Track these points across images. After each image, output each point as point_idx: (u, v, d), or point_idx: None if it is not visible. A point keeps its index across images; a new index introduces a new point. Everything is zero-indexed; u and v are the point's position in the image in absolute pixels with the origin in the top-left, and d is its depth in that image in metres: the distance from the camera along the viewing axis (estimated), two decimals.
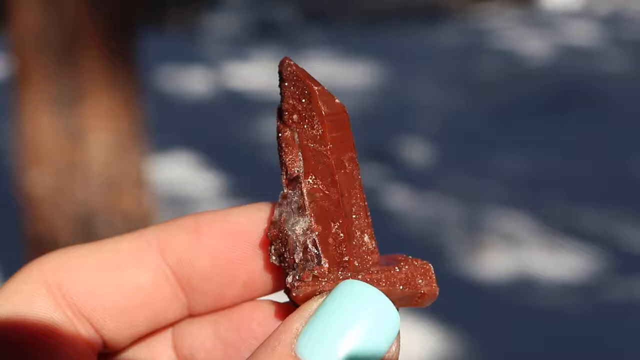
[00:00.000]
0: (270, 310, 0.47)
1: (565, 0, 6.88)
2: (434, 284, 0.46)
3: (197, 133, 4.07)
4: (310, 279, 0.43)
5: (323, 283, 0.43)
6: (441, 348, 2.30)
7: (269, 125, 4.13)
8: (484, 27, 6.27)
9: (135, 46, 1.96)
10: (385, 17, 6.44)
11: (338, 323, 0.40)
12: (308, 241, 0.43)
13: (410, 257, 0.46)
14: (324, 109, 0.44)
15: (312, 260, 0.43)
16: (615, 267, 2.71)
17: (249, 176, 3.40)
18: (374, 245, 0.46)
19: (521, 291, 2.61)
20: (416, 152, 3.80)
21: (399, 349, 0.42)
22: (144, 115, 2.04)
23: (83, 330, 0.46)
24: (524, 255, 2.81)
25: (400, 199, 3.24)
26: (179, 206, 3.20)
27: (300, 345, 0.39)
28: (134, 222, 1.86)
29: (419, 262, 0.45)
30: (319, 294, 0.42)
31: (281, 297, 0.47)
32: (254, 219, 0.47)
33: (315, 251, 0.43)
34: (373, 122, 4.20)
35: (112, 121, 1.82)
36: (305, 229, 0.44)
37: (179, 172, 3.57)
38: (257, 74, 4.98)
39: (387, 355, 0.41)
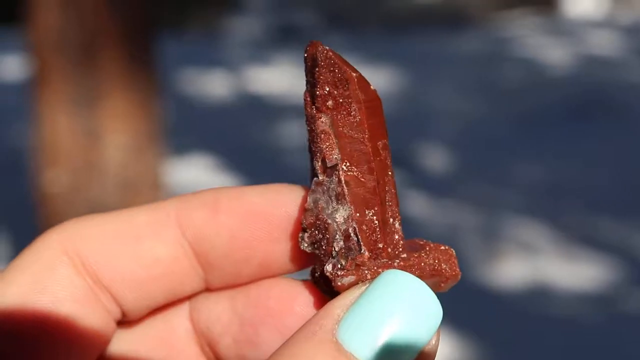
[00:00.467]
0: (289, 288, 0.47)
1: (588, 9, 6.86)
2: (457, 269, 0.46)
3: (216, 136, 4.08)
4: (353, 267, 0.43)
5: (365, 272, 0.43)
6: (456, 355, 2.29)
7: (288, 129, 4.14)
8: (506, 35, 6.26)
9: (153, 48, 1.97)
10: (407, 24, 6.44)
11: (380, 311, 0.40)
12: (350, 229, 0.43)
13: (430, 242, 0.45)
14: (361, 96, 0.44)
15: (354, 249, 0.43)
16: (632, 277, 2.69)
17: (268, 179, 3.39)
18: (401, 232, 0.45)
19: (537, 300, 2.60)
20: (435, 159, 3.79)
21: (439, 342, 0.41)
22: (162, 117, 2.05)
23: (103, 299, 0.46)
24: (540, 263, 2.80)
25: (418, 206, 3.23)
26: None
27: (341, 331, 0.39)
28: None
29: (442, 247, 0.45)
30: (361, 282, 0.42)
31: (297, 277, 0.48)
32: (272, 200, 0.47)
33: (356, 239, 0.43)
34: (393, 128, 4.17)
35: (129, 122, 1.82)
36: (346, 217, 0.43)
37: (197, 174, 3.58)
38: (277, 78, 4.99)
39: (427, 347, 0.41)
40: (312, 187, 0.45)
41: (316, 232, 0.44)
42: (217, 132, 4.14)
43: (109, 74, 1.80)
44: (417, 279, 0.41)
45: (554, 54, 5.63)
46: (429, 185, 3.45)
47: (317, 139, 0.44)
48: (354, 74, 0.44)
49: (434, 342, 0.41)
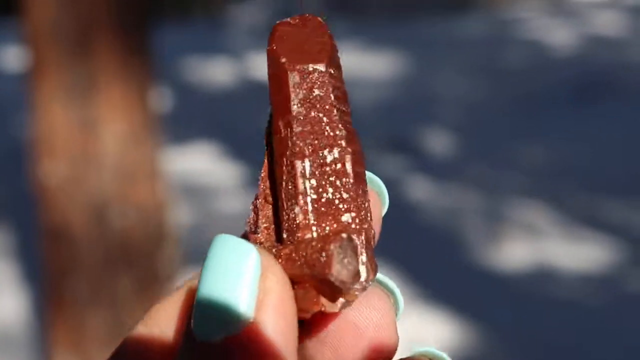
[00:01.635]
0: None
1: None
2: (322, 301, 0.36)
3: (220, 124, 4.08)
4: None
5: None
6: (457, 337, 2.30)
7: None
8: (510, 17, 6.24)
9: (151, 37, 1.97)
10: (410, 7, 6.43)
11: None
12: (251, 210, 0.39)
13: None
14: (270, 70, 0.39)
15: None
16: (636, 258, 2.69)
17: None
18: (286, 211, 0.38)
19: (540, 281, 2.61)
20: (439, 142, 3.79)
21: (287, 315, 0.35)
22: (159, 106, 2.05)
23: None
24: (544, 245, 2.80)
25: (422, 189, 3.23)
26: (197, 197, 3.21)
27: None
28: (147, 212, 1.87)
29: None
30: None
31: None
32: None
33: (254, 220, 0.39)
34: (397, 113, 4.20)
35: (126, 112, 1.82)
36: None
37: (200, 162, 3.58)
38: None
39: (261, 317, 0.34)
40: None
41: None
42: (220, 120, 4.14)
43: (105, 64, 1.80)
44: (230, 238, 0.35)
45: (558, 35, 5.62)
46: (432, 168, 3.45)
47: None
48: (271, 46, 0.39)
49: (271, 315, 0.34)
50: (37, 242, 2.01)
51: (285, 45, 0.39)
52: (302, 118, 0.39)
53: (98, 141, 1.80)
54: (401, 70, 4.94)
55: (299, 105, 0.39)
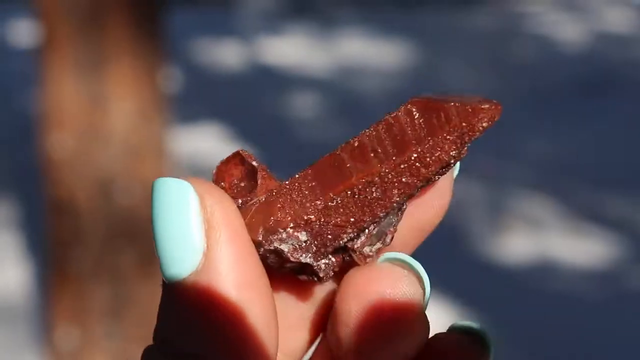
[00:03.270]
0: None
1: None
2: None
3: (228, 106, 4.08)
4: None
5: None
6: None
7: (300, 101, 4.14)
8: (519, 10, 6.23)
9: (162, 14, 1.97)
10: None
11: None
12: None
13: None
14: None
15: None
16: (638, 255, 2.69)
17: (278, 151, 3.41)
18: None
19: (542, 275, 2.61)
20: None
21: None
22: (169, 84, 2.05)
23: None
24: (546, 239, 2.80)
25: None
26: (204, 177, 3.21)
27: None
28: None
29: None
30: None
31: None
32: None
33: None
34: (403, 102, 4.18)
35: (135, 88, 1.83)
36: None
37: (206, 143, 3.58)
38: (290, 50, 4.98)
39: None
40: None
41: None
42: (228, 102, 4.14)
43: (116, 40, 1.80)
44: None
45: (566, 31, 5.61)
46: None
47: None
48: None
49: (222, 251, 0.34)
50: (41, 215, 2.01)
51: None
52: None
53: (106, 117, 1.80)
54: (409, 60, 4.94)
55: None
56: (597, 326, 2.35)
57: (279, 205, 0.37)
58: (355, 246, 0.38)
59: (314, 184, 0.37)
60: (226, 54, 4.99)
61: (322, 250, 0.37)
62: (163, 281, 0.35)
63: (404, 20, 5.82)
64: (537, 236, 2.82)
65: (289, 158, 2.67)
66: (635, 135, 3.70)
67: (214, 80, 4.57)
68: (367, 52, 4.95)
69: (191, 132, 3.58)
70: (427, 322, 0.37)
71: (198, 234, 0.34)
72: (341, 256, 0.38)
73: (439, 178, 0.39)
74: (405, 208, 0.39)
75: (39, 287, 2.48)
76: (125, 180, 1.82)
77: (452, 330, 0.39)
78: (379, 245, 0.38)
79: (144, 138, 1.86)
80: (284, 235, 0.36)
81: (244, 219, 0.36)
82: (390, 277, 0.36)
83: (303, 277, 0.38)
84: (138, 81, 1.84)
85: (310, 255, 0.37)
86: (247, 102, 4.14)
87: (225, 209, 0.35)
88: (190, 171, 3.10)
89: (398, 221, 0.39)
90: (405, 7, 6.17)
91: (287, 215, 0.37)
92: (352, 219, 0.37)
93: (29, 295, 2.48)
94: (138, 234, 1.85)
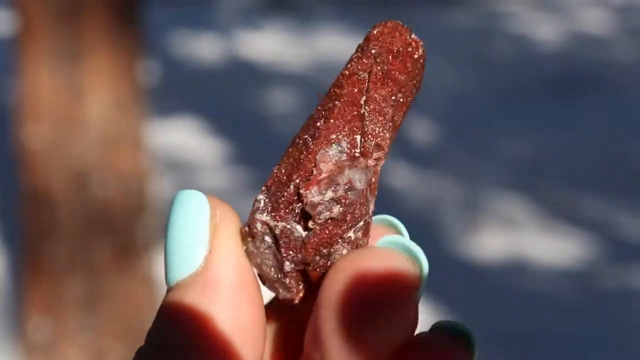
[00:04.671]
0: None
1: None
2: None
3: (205, 100, 4.07)
4: None
5: None
6: (429, 325, 2.31)
7: (278, 96, 4.13)
8: (498, 9, 6.25)
9: (140, 7, 1.96)
10: None
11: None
12: None
13: None
14: None
15: None
16: (611, 254, 2.71)
17: (254, 145, 3.41)
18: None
19: (515, 274, 2.62)
20: (421, 130, 3.79)
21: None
22: (146, 77, 2.04)
23: None
24: (520, 238, 2.81)
25: (400, 176, 3.24)
26: (180, 171, 3.21)
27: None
28: (128, 182, 1.87)
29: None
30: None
31: None
32: None
33: None
34: None
35: (112, 80, 1.82)
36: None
37: (183, 137, 3.58)
38: (268, 45, 4.97)
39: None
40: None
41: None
42: (205, 96, 4.13)
43: (94, 31, 1.80)
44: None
45: (544, 30, 5.63)
46: (412, 156, 3.46)
47: None
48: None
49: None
50: (16, 205, 2.00)
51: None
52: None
53: (83, 107, 1.79)
54: None
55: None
56: (570, 325, 2.36)
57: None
58: (309, 197, 0.38)
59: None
60: (204, 49, 4.98)
61: (276, 204, 0.38)
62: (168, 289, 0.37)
63: (382, 18, 5.81)
64: (512, 235, 2.83)
65: (266, 152, 2.67)
66: (610, 135, 3.72)
67: (191, 74, 4.56)
68: (345, 48, 4.94)
69: (168, 125, 3.57)
70: (417, 310, 0.37)
71: (206, 236, 0.36)
72: (302, 225, 0.37)
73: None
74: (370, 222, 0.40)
75: (12, 278, 2.47)
76: (101, 171, 1.81)
77: (436, 329, 0.39)
78: (329, 196, 0.38)
79: (120, 130, 1.85)
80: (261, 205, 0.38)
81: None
82: (382, 253, 0.36)
83: (283, 294, 0.37)
84: (115, 73, 1.83)
85: (266, 213, 0.37)
86: (225, 97, 4.13)
87: (228, 216, 0.37)
88: (166, 164, 3.09)
89: (362, 204, 0.40)
90: (383, 5, 6.18)
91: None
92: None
93: (2, 285, 2.47)
94: (113, 225, 1.84)
